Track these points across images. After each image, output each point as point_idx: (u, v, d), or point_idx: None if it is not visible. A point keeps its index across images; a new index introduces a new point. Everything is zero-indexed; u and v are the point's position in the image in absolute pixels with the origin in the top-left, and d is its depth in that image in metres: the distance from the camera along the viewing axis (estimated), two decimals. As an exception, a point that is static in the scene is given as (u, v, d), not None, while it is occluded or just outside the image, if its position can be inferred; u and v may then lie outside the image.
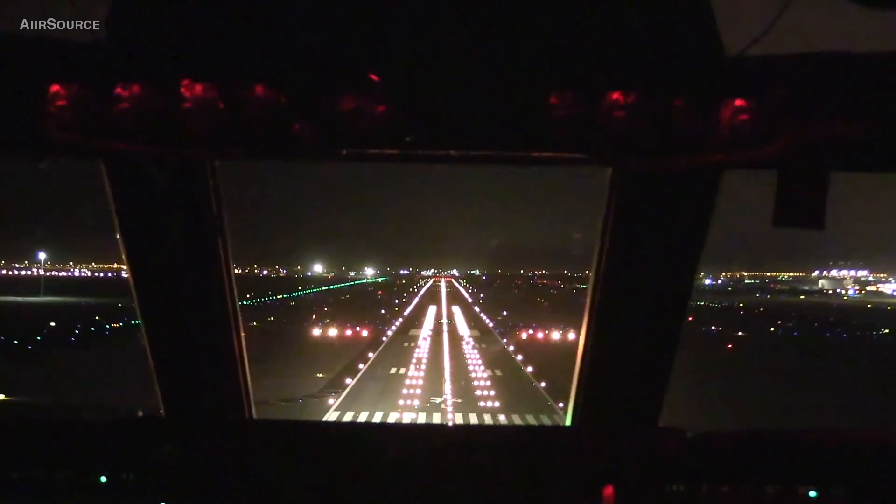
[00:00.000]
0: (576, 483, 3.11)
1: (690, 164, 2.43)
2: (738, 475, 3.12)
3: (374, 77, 2.34)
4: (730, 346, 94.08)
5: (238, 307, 3.77)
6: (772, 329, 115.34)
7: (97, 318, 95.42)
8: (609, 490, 3.06)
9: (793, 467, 3.16)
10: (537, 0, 2.55)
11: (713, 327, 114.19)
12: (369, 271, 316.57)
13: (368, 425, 6.28)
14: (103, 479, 3.14)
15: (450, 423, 27.13)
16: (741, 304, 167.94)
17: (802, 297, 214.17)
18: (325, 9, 2.49)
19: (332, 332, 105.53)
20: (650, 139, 2.34)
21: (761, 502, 3.07)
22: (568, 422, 3.80)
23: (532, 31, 2.50)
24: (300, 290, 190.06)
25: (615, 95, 2.30)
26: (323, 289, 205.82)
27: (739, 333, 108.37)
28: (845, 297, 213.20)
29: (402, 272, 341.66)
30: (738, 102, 2.29)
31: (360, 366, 77.32)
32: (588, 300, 3.59)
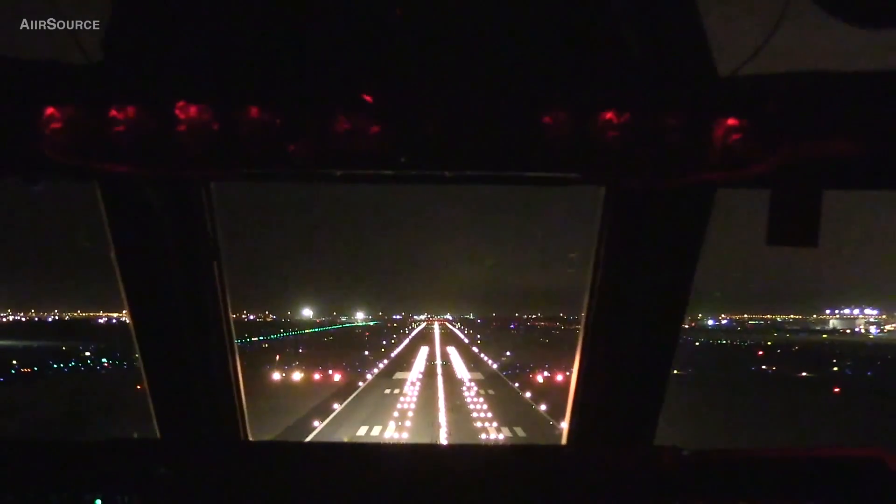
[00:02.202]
0: (572, 502, 2.99)
1: (684, 183, 2.38)
2: (734, 493, 2.99)
3: (368, 98, 2.30)
4: (837, 389, 69.01)
5: (233, 328, 3.58)
6: (835, 369, 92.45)
7: (14, 361, 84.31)
8: None
9: (789, 485, 3.02)
10: (531, 21, 2.47)
11: (764, 366, 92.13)
12: (360, 315, 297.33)
13: (364, 446, 3.68)
14: (98, 501, 2.99)
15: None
16: (769, 343, 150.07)
17: (825, 336, 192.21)
18: (319, 31, 2.44)
19: (297, 376, 78.89)
20: (644, 158, 2.29)
21: None
22: (564, 441, 3.66)
23: (526, 52, 2.44)
24: (280, 333, 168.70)
25: (609, 115, 2.25)
26: (307, 332, 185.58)
27: (803, 374, 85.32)
28: (871, 337, 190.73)
29: (394, 317, 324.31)
30: (731, 121, 2.24)
31: (316, 423, 50.83)
32: (583, 319, 3.41)
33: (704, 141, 2.25)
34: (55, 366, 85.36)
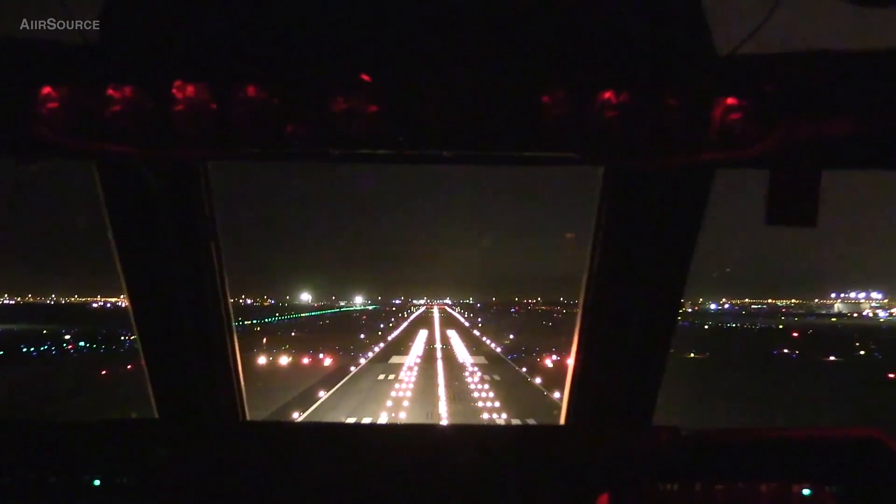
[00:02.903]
0: (570, 482, 2.96)
1: (683, 163, 2.35)
2: (732, 473, 2.98)
3: (365, 77, 2.27)
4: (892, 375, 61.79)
5: (231, 309, 3.51)
6: (862, 352, 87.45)
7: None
8: (604, 499, 2.94)
9: (787, 465, 3.01)
10: (529, 0, 2.46)
11: (786, 350, 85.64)
12: (358, 299, 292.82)
13: (363, 426, 3.56)
14: (97, 481, 2.98)
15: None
16: (780, 326, 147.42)
17: (834, 319, 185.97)
18: (317, 9, 2.42)
19: (283, 360, 71.17)
20: (642, 138, 2.27)
21: (756, 500, 2.97)
22: (562, 421, 3.60)
23: (524, 31, 2.43)
24: (274, 316, 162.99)
25: (607, 94, 2.22)
26: (302, 315, 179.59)
27: (831, 358, 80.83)
28: (881, 320, 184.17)
29: (394, 302, 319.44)
30: (730, 101, 2.22)
31: (295, 415, 42.90)
32: (581, 300, 3.34)
33: (703, 121, 2.20)
34: (24, 349, 78.65)
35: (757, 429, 3.13)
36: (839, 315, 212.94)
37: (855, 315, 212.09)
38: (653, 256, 3.09)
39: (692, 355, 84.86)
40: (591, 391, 3.40)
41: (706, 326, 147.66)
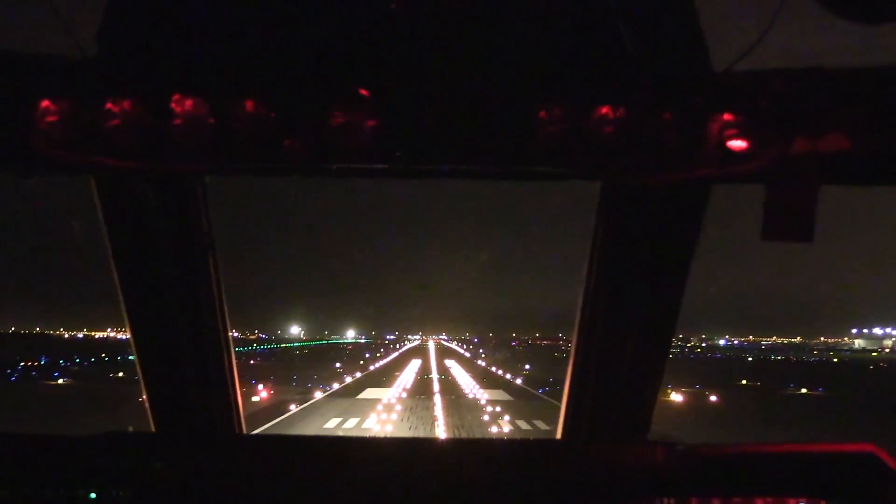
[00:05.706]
0: (565, 496, 2.88)
1: (679, 179, 2.32)
2: (728, 488, 2.89)
3: (364, 92, 2.20)
4: None
5: (228, 322, 3.37)
6: None
7: None
8: None
9: (783, 480, 2.92)
10: (526, 16, 2.38)
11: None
12: (350, 333, 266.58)
13: (359, 439, 3.28)
14: (93, 495, 2.85)
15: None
16: (831, 360, 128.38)
17: (874, 354, 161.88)
18: (315, 24, 2.34)
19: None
20: (639, 154, 2.19)
21: None
22: (558, 435, 3.48)
23: (520, 47, 2.35)
24: (249, 347, 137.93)
25: (604, 110, 2.16)
26: (281, 345, 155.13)
27: None
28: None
29: (388, 336, 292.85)
30: (727, 117, 2.15)
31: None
32: (578, 314, 3.25)
33: (700, 137, 2.12)
34: None
35: (753, 444, 2.99)
36: (864, 351, 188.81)
37: (886, 350, 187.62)
38: (650, 272, 2.98)
39: (804, 391, 58.95)
40: (588, 406, 3.27)
41: (749, 359, 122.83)
